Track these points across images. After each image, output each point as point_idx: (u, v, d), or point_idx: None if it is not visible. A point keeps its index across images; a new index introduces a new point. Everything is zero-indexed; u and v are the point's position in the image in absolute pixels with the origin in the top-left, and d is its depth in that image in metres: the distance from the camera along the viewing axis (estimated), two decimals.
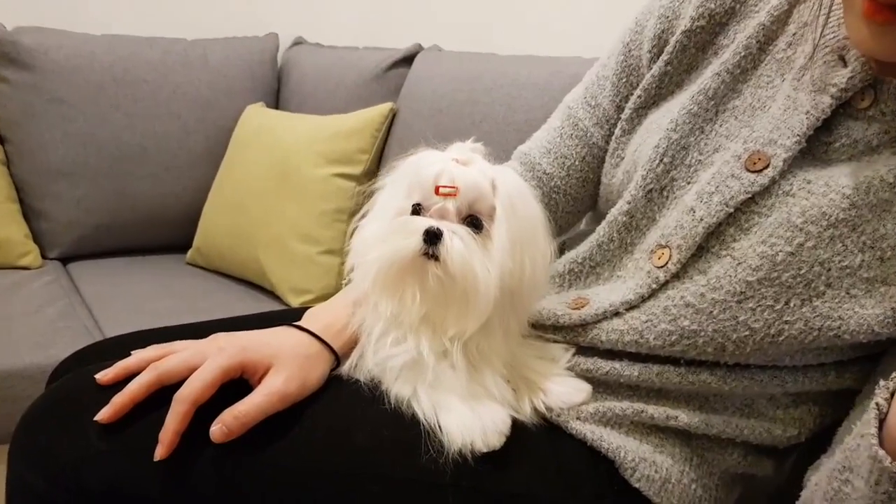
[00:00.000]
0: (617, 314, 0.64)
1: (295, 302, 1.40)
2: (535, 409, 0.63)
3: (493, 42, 1.51)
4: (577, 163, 0.76)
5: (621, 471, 0.62)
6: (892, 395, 0.48)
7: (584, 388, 0.65)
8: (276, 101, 1.80)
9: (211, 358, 0.57)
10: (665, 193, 0.65)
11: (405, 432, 0.59)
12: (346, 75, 1.63)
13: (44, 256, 1.56)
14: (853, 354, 0.61)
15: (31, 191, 1.56)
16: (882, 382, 0.49)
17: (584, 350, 0.66)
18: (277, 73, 1.81)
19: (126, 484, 0.56)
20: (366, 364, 0.63)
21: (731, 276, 0.58)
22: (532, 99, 1.23)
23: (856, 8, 0.51)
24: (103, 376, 0.59)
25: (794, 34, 0.63)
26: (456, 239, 0.58)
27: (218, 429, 0.55)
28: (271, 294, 1.47)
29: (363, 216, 0.66)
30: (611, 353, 0.65)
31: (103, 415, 0.56)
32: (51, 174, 1.55)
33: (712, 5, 0.66)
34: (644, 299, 0.63)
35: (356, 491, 0.58)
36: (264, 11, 1.92)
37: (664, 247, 0.63)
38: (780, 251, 0.56)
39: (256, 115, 1.66)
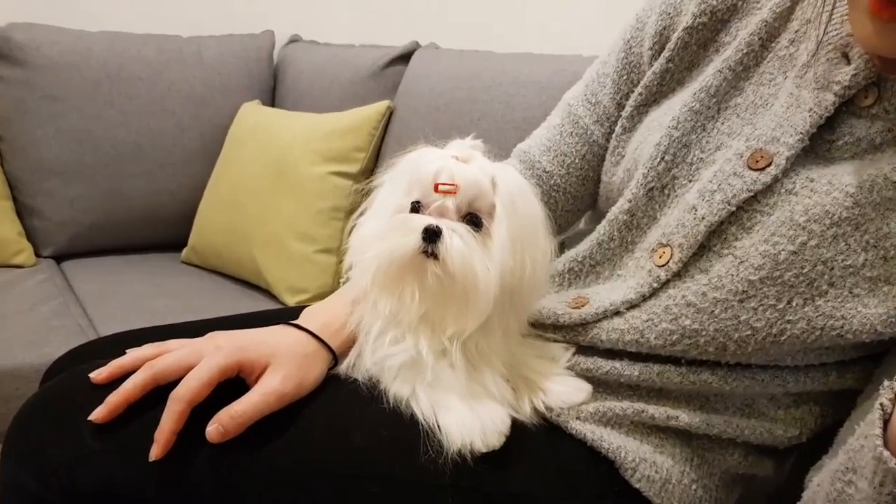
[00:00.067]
0: (617, 313, 0.64)
1: (291, 301, 1.39)
2: (535, 409, 0.63)
3: (490, 40, 1.50)
4: (577, 161, 0.76)
5: (621, 471, 0.62)
6: None
7: (584, 388, 0.64)
8: (271, 99, 1.79)
9: (207, 357, 0.57)
10: (666, 192, 0.65)
11: (404, 432, 0.58)
12: (343, 73, 1.62)
13: (37, 255, 1.55)
14: (855, 354, 0.60)
15: (24, 188, 1.55)
16: (886, 383, 0.48)
17: (585, 349, 0.66)
18: (273, 70, 1.81)
19: (121, 484, 0.55)
20: (364, 363, 0.63)
21: (732, 275, 0.58)
22: (531, 97, 1.23)
23: (861, 4, 0.50)
24: (97, 375, 0.58)
25: (796, 31, 0.62)
26: (455, 237, 0.57)
27: (214, 429, 0.55)
28: (267, 293, 1.46)
29: (362, 214, 0.65)
30: (611, 353, 0.64)
31: (97, 414, 0.55)
32: (44, 172, 1.54)
33: (714, 2, 0.66)
34: (645, 298, 0.63)
35: (354, 491, 0.57)
36: (260, 9, 1.91)
37: (665, 245, 0.62)
38: (783, 250, 0.56)
39: (252, 113, 1.65)
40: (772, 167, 0.58)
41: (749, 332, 0.57)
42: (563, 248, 0.74)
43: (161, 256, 1.65)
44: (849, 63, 0.57)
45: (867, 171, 0.55)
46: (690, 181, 0.64)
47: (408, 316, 0.60)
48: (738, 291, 0.57)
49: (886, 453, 0.45)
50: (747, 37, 0.64)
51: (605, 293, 0.66)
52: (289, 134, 1.50)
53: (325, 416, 0.60)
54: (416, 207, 0.61)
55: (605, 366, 0.64)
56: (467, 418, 0.58)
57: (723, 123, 0.64)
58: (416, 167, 0.61)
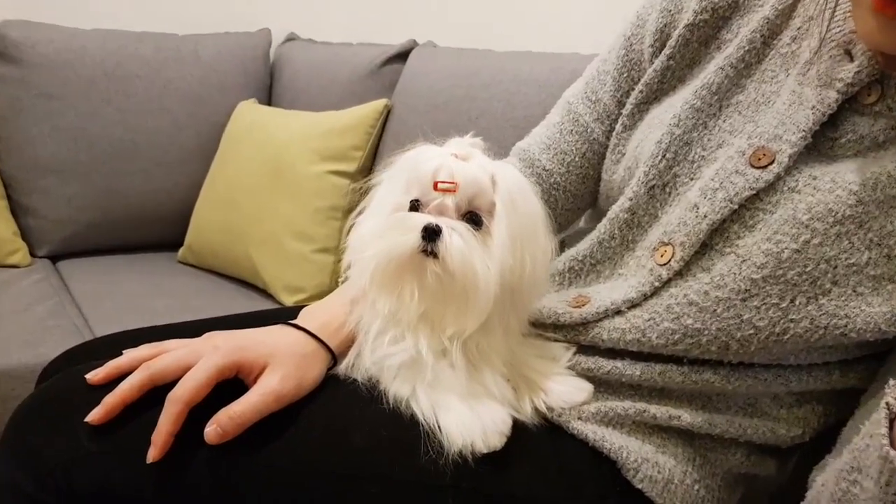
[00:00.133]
0: (618, 312, 0.63)
1: (288, 300, 1.39)
2: (536, 409, 0.63)
3: (488, 38, 1.50)
4: (577, 159, 0.75)
5: (623, 471, 0.61)
6: None
7: (585, 388, 0.64)
8: (268, 98, 1.78)
9: (205, 357, 0.56)
10: (667, 190, 0.64)
11: (404, 432, 0.58)
12: (340, 71, 1.62)
13: (32, 254, 1.54)
14: (858, 353, 0.60)
15: (19, 187, 1.54)
16: (892, 382, 0.48)
17: (586, 349, 0.65)
18: (270, 68, 1.80)
19: (118, 486, 0.55)
20: (363, 363, 0.62)
21: (735, 274, 0.57)
22: (530, 95, 1.22)
23: (864, 1, 0.50)
24: (94, 376, 0.58)
25: (798, 28, 0.62)
26: (455, 236, 0.57)
27: (212, 430, 0.54)
28: (264, 293, 1.46)
29: (360, 213, 0.65)
30: (612, 352, 0.64)
31: (94, 416, 0.55)
32: (39, 170, 1.53)
33: None
34: (646, 297, 0.62)
35: (354, 491, 0.57)
36: (257, 7, 1.90)
37: (667, 244, 0.62)
38: (786, 248, 0.56)
39: (249, 112, 1.64)
40: (774, 165, 0.58)
41: (752, 332, 0.57)
42: (563, 246, 0.74)
43: (157, 256, 1.64)
44: (852, 60, 0.57)
45: (870, 168, 0.55)
46: (692, 179, 0.63)
47: (407, 315, 0.59)
48: (741, 290, 0.57)
49: (893, 452, 0.45)
50: (749, 34, 0.63)
51: (606, 292, 0.66)
52: (286, 132, 1.49)
53: (324, 417, 0.60)
54: (415, 206, 0.60)
55: (606, 365, 0.63)
56: (468, 418, 0.57)
57: (724, 121, 0.63)
58: (415, 165, 0.60)
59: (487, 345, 0.61)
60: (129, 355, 0.59)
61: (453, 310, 0.58)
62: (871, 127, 0.57)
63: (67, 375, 0.62)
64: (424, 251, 0.57)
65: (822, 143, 0.58)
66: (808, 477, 0.57)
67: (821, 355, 0.60)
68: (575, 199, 0.77)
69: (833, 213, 0.55)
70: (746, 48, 0.63)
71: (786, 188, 0.57)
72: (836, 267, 0.55)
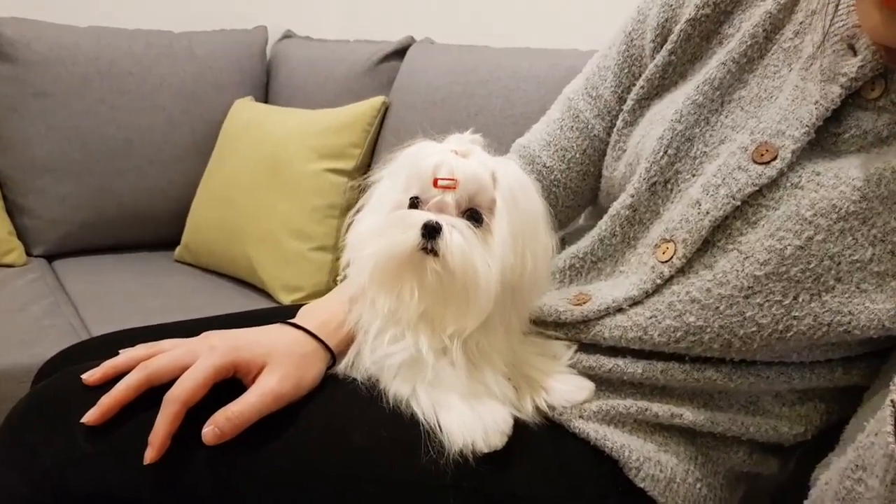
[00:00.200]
0: (620, 310, 0.63)
1: (286, 299, 1.38)
2: (537, 408, 0.62)
3: (486, 35, 1.49)
4: (577, 155, 0.75)
5: (625, 470, 0.61)
6: None
7: (586, 386, 0.63)
8: (265, 96, 1.77)
9: (202, 357, 0.55)
10: (669, 186, 0.64)
11: (404, 432, 0.57)
12: (337, 69, 1.61)
13: (28, 254, 1.54)
14: (861, 350, 0.60)
15: (14, 186, 1.53)
16: None
17: (587, 347, 0.65)
18: (266, 66, 1.79)
19: (114, 487, 0.54)
20: (363, 362, 0.62)
21: (737, 271, 0.57)
22: (529, 92, 1.22)
23: None
24: (90, 376, 0.57)
25: (801, 23, 0.61)
26: (455, 233, 0.56)
27: (210, 430, 0.53)
28: (262, 291, 1.45)
29: (359, 210, 0.64)
30: (614, 350, 0.64)
31: (90, 417, 0.54)
32: (34, 169, 1.52)
33: None
34: (648, 295, 0.62)
35: (354, 491, 0.56)
36: (253, 4, 1.90)
37: (669, 241, 0.62)
38: (789, 245, 0.55)
39: (245, 110, 1.63)
40: (777, 161, 0.57)
41: (754, 329, 0.57)
42: (563, 244, 0.73)
43: (154, 255, 1.64)
44: (855, 55, 0.56)
45: (874, 164, 0.55)
46: (694, 175, 0.63)
47: (407, 314, 0.59)
48: (744, 287, 0.57)
49: None
50: (751, 28, 0.63)
51: (607, 290, 0.65)
52: (283, 130, 1.49)
53: (324, 417, 0.59)
54: (414, 203, 0.60)
55: (607, 363, 0.63)
56: (469, 418, 0.57)
57: (727, 117, 0.63)
58: (414, 162, 0.60)
59: (488, 343, 0.60)
60: (125, 355, 0.58)
61: (454, 308, 0.58)
62: (874, 122, 0.56)
63: (63, 376, 0.61)
64: (424, 249, 0.56)
65: (825, 138, 0.58)
66: (810, 475, 0.57)
67: (823, 352, 0.59)
68: (575, 196, 0.77)
69: (837, 210, 0.54)
70: (748, 43, 0.63)
71: (789, 184, 0.57)
72: (839, 263, 0.54)
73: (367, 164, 1.45)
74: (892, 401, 0.46)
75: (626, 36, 0.72)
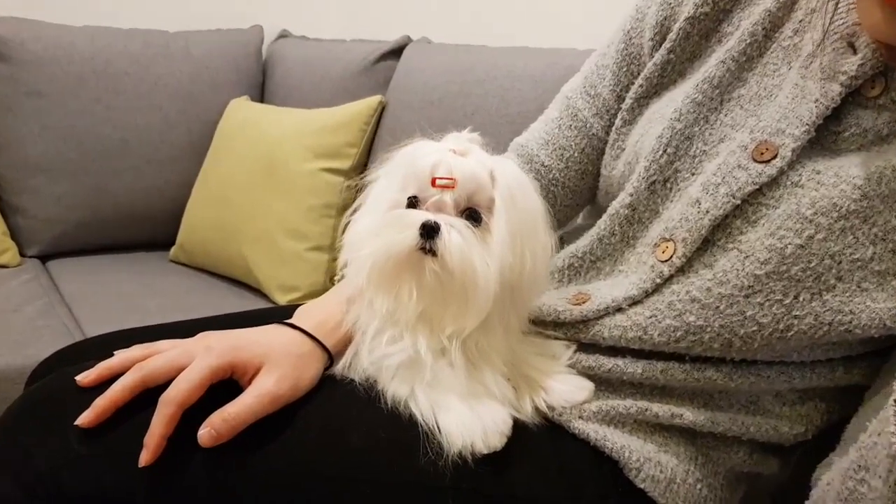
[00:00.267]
0: (619, 310, 0.63)
1: (282, 299, 1.38)
2: (537, 408, 0.62)
3: (483, 34, 1.49)
4: (576, 154, 0.74)
5: (625, 471, 0.61)
6: None
7: (586, 387, 0.63)
8: (260, 95, 1.77)
9: (198, 358, 0.55)
10: (669, 185, 0.63)
11: (403, 433, 0.57)
12: (333, 68, 1.60)
13: (22, 254, 1.53)
14: (862, 350, 0.59)
15: (8, 186, 1.52)
16: None
17: (586, 347, 0.65)
18: (262, 66, 1.79)
19: (109, 490, 0.54)
20: (361, 363, 0.61)
21: (738, 270, 0.57)
22: (526, 91, 1.22)
23: None
24: (84, 378, 0.57)
25: (800, 21, 0.61)
26: (454, 233, 0.56)
27: (206, 432, 0.53)
28: (258, 292, 1.44)
29: (356, 210, 0.63)
30: (613, 350, 0.63)
31: (84, 419, 0.53)
32: (29, 169, 1.51)
33: None
34: (647, 294, 0.62)
35: (351, 493, 0.56)
36: (249, 4, 1.89)
37: (668, 240, 0.61)
38: (790, 244, 0.55)
39: (241, 109, 1.63)
40: (777, 159, 0.57)
41: (755, 328, 0.56)
42: (561, 243, 0.73)
43: (149, 255, 1.63)
44: (855, 53, 0.56)
45: (875, 162, 0.54)
46: (693, 174, 0.62)
47: (405, 314, 0.58)
48: (744, 286, 0.56)
49: None
50: (750, 27, 0.62)
51: (606, 289, 0.65)
52: (279, 130, 1.48)
53: (321, 418, 0.59)
54: (412, 203, 0.59)
55: (607, 363, 0.63)
56: (468, 418, 0.56)
57: (726, 115, 0.62)
58: (412, 161, 0.59)
59: (487, 343, 0.60)
60: (120, 356, 0.58)
61: (452, 308, 0.57)
62: (874, 120, 0.56)
63: (58, 377, 0.60)
64: (423, 249, 0.56)
65: (825, 136, 0.58)
66: (810, 475, 0.57)
67: (824, 352, 0.59)
68: (574, 195, 0.76)
69: (837, 208, 0.54)
70: (748, 41, 0.62)
71: (789, 183, 0.57)
72: (840, 262, 0.54)
73: (363, 164, 1.44)
74: (895, 400, 0.46)
75: (625, 34, 0.72)
